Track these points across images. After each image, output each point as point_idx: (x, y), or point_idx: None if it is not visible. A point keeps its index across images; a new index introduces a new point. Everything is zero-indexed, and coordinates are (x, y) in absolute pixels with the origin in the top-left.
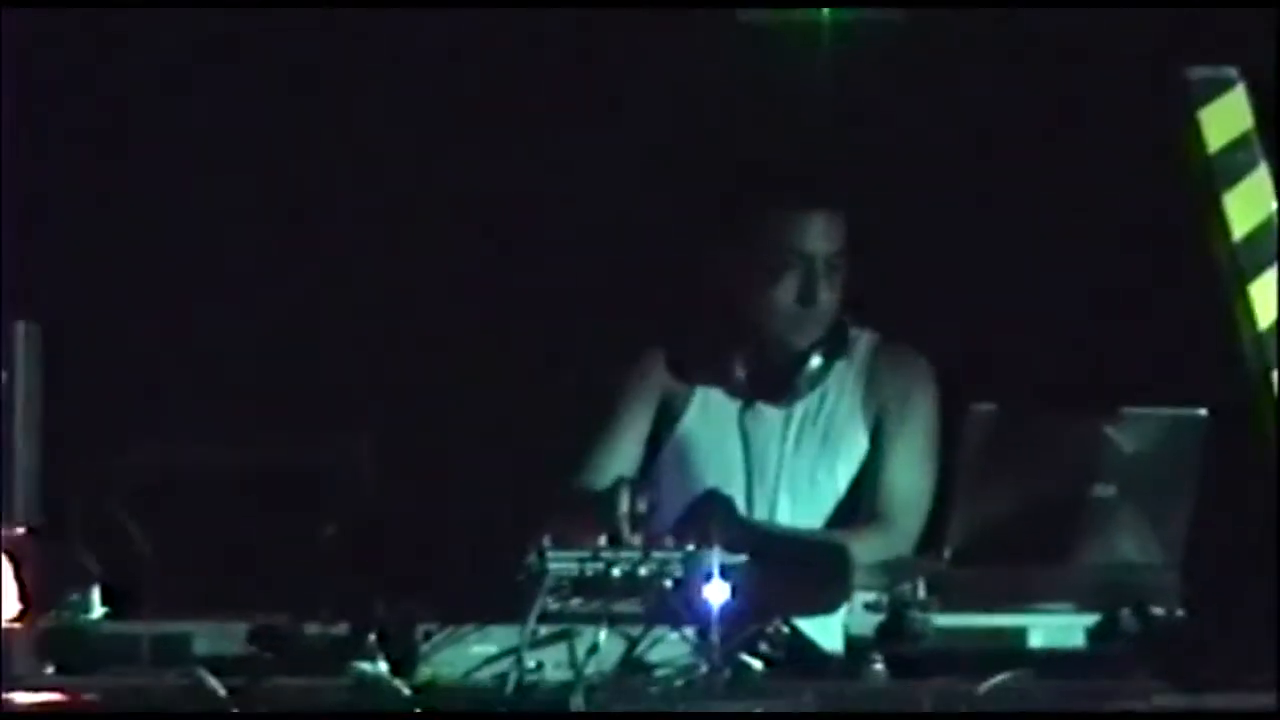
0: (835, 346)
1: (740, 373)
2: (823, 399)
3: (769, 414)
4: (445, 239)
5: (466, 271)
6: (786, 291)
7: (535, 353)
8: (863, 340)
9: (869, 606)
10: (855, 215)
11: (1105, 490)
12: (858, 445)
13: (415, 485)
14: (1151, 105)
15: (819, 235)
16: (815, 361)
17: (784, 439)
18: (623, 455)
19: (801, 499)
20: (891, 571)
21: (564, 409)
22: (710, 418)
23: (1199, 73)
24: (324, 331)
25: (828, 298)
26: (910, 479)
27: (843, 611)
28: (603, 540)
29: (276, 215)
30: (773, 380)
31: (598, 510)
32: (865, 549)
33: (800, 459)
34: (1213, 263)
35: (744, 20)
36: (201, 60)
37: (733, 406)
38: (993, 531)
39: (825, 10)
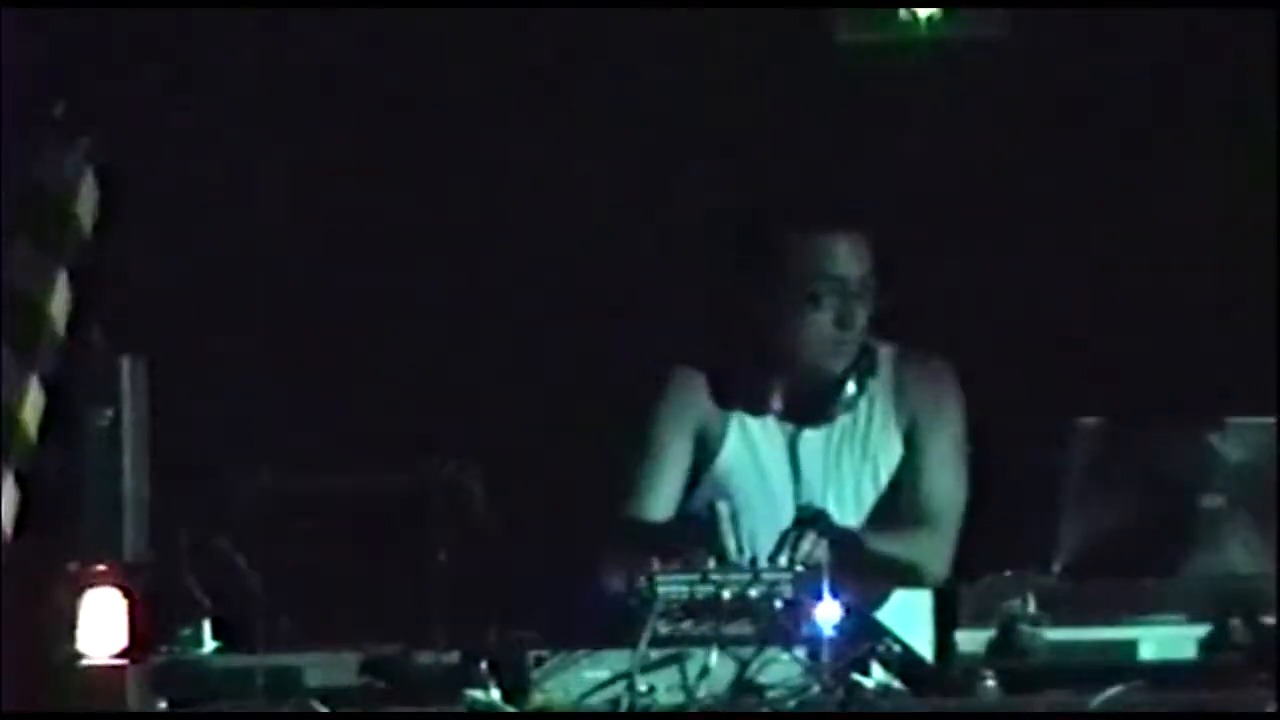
0: (868, 367)
1: (778, 399)
2: (856, 417)
3: (809, 437)
4: (520, 273)
5: (546, 300)
6: (824, 317)
7: (590, 380)
8: (883, 353)
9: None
10: (898, 234)
11: (1212, 500)
12: (894, 455)
13: (524, 511)
14: (1249, 112)
15: (853, 259)
16: (851, 385)
17: (825, 460)
18: (666, 485)
19: (848, 515)
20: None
21: (610, 440)
22: (750, 444)
23: None
24: (429, 358)
25: (861, 320)
26: (946, 482)
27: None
28: (711, 563)
29: (379, 246)
30: (811, 404)
31: (699, 533)
32: (911, 551)
33: (843, 477)
34: None
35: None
36: (295, 81)
37: (773, 432)
38: (1101, 544)
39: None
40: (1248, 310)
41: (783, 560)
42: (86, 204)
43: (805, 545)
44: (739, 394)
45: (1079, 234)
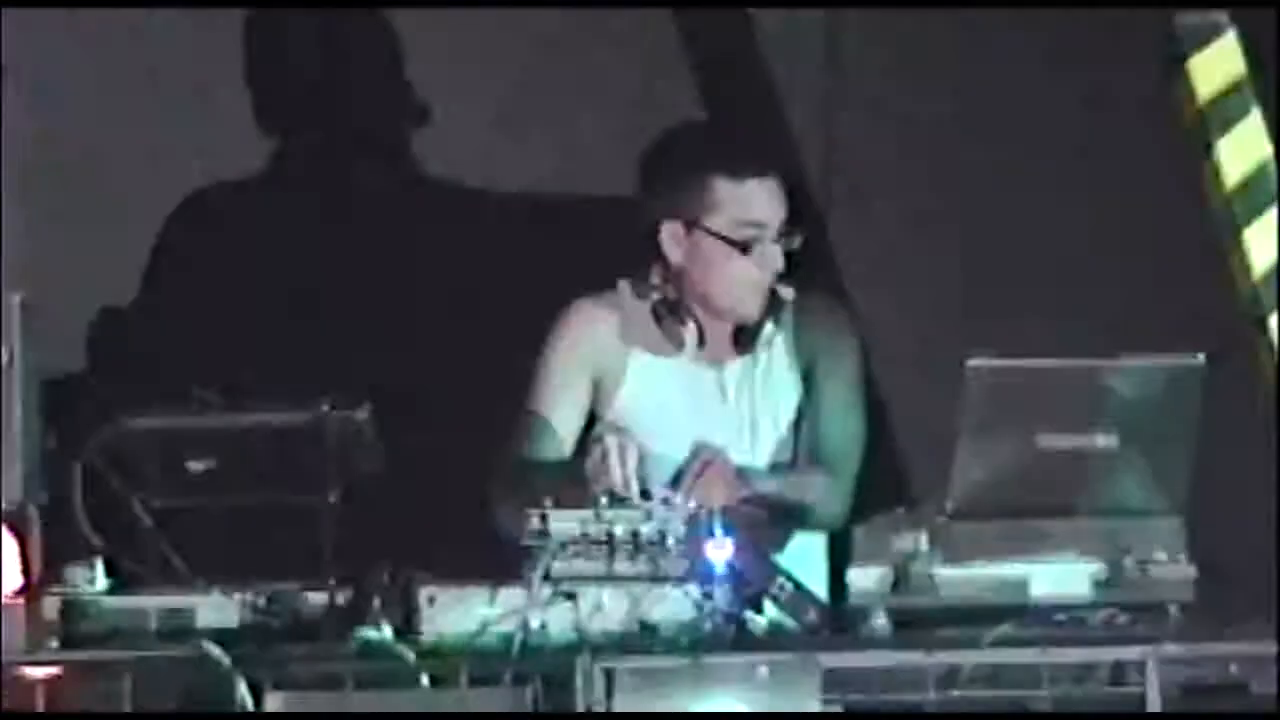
0: (778, 307)
1: (687, 340)
2: (758, 359)
3: (713, 377)
4: (415, 209)
5: (440, 240)
6: (747, 261)
7: (494, 321)
8: (784, 295)
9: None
10: (804, 178)
11: (1105, 439)
12: (793, 397)
13: (416, 450)
14: (1143, 53)
15: (773, 203)
16: (769, 327)
17: (727, 401)
18: (561, 422)
19: (748, 456)
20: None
21: (507, 381)
22: (650, 384)
23: (1189, 20)
24: (320, 298)
25: (778, 263)
26: (844, 424)
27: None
28: (604, 500)
29: (269, 184)
30: (718, 344)
31: (587, 469)
32: (808, 493)
33: (743, 419)
34: (1208, 210)
35: None
36: (173, 35)
37: (673, 371)
38: (994, 483)
39: None
40: (1140, 249)
41: (677, 499)
42: None
43: (700, 484)
44: (643, 334)
45: (972, 173)
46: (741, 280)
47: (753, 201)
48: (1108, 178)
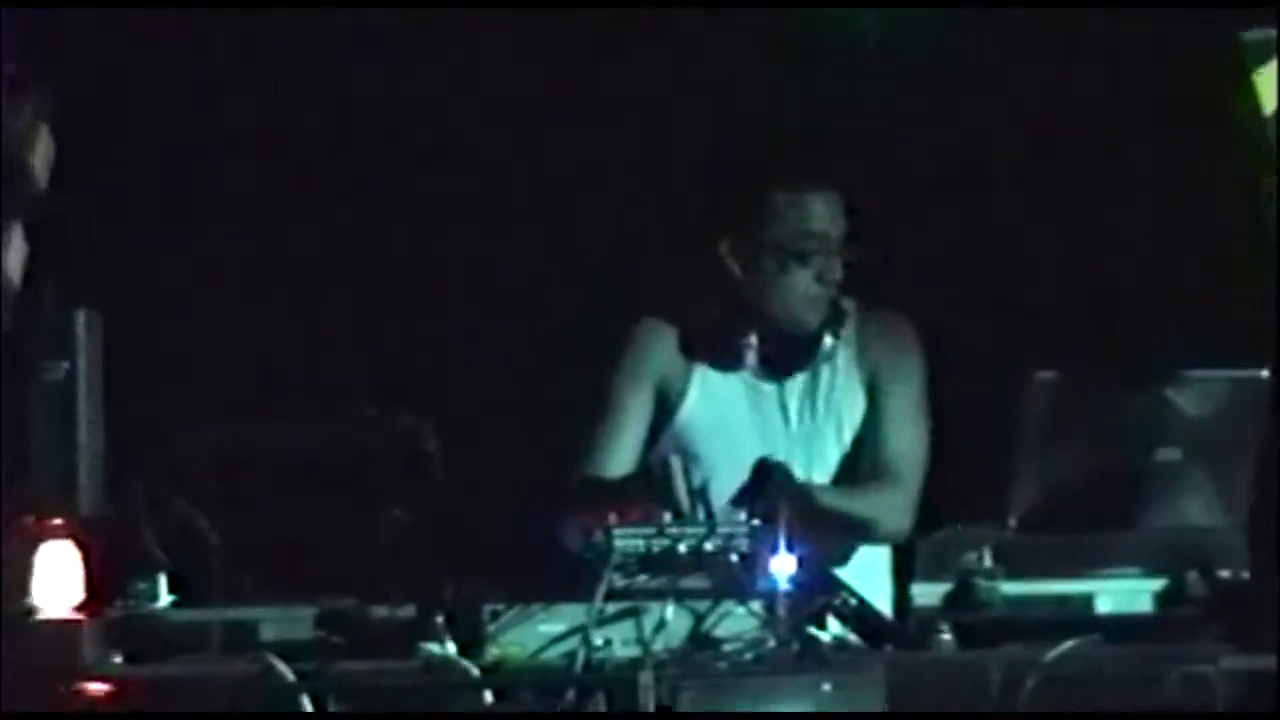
0: (838, 322)
1: (748, 354)
2: (821, 372)
3: (775, 391)
4: (481, 224)
5: (506, 257)
6: (806, 274)
7: (558, 336)
8: (848, 309)
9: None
10: (866, 191)
11: (1169, 454)
12: (857, 410)
13: (480, 465)
14: (1206, 68)
15: (833, 216)
16: (826, 340)
17: (790, 415)
18: (625, 439)
19: (812, 470)
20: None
21: (569, 397)
22: (713, 398)
23: (1252, 36)
24: (386, 312)
25: (838, 276)
26: (908, 437)
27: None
28: (667, 517)
29: (337, 204)
30: (783, 359)
31: (654, 488)
32: (872, 506)
33: (807, 433)
34: (1272, 225)
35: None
36: (249, 54)
37: (735, 386)
38: (1058, 498)
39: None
40: (1203, 266)
41: (740, 514)
42: (42, 158)
43: (763, 499)
44: (705, 348)
45: (1038, 190)
46: (801, 293)
47: (812, 213)
48: (1171, 192)
